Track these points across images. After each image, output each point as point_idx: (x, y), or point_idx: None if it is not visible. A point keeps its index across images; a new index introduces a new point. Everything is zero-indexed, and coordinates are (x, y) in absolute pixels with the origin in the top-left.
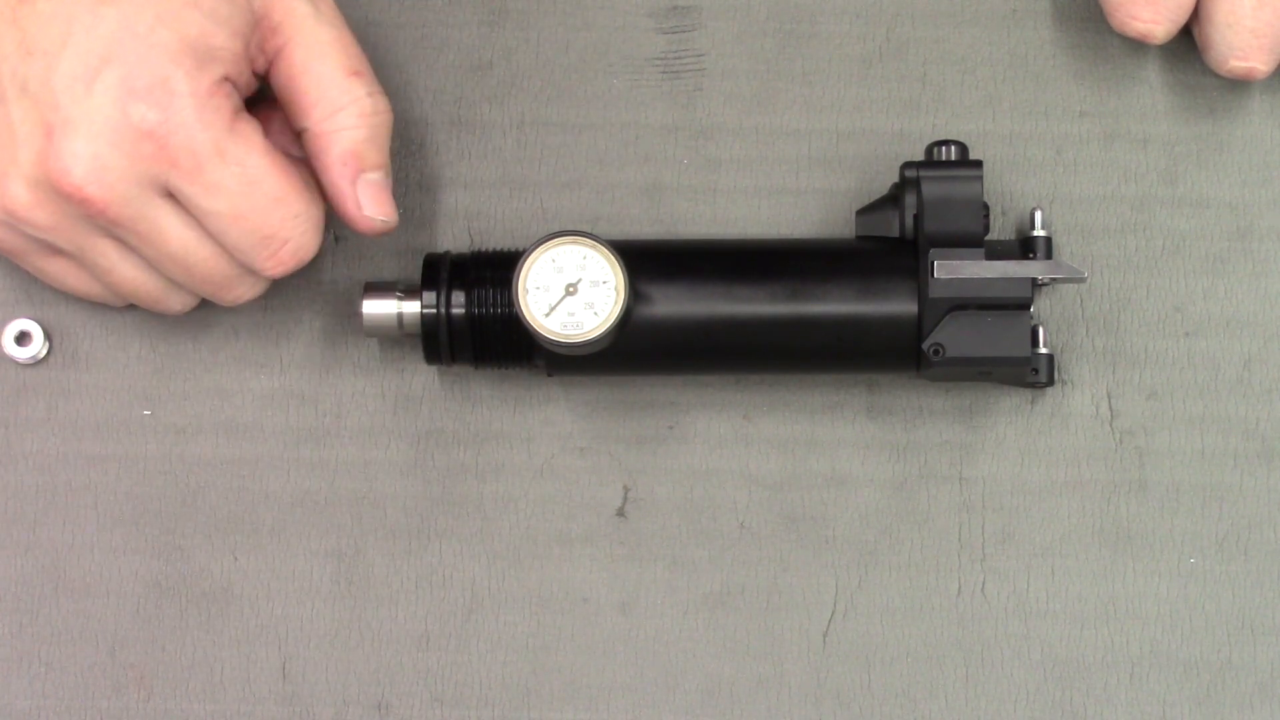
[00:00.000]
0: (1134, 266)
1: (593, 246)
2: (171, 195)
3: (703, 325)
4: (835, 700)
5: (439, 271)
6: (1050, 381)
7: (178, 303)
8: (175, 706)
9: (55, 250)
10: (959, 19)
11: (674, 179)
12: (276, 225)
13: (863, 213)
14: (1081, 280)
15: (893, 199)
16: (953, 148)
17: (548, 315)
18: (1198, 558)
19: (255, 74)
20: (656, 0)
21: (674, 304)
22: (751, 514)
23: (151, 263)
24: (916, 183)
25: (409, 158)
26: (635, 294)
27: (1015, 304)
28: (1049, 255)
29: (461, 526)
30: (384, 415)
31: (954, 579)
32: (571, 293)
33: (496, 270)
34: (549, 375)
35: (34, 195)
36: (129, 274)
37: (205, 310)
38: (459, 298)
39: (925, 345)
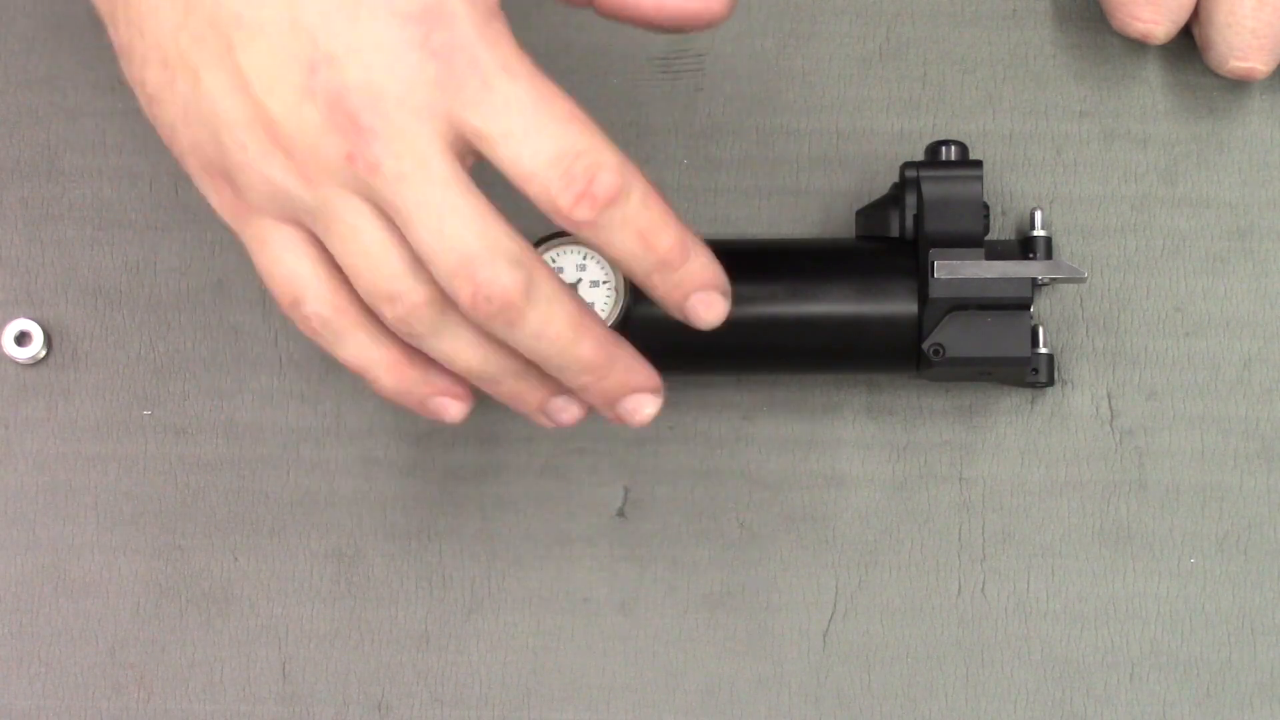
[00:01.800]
0: (1134, 266)
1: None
2: (447, 135)
3: None
4: (835, 700)
5: None
6: (1050, 381)
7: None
8: (175, 706)
9: (289, 218)
10: (959, 19)
11: (674, 179)
12: (572, 141)
13: (863, 213)
14: (1081, 280)
15: (893, 199)
16: (953, 148)
17: None
18: (1198, 558)
19: None
20: None
21: None
22: (751, 514)
23: (405, 216)
24: (916, 183)
25: None
26: (635, 294)
27: (1015, 304)
28: (1049, 255)
29: (461, 526)
30: (384, 415)
31: (954, 579)
32: None
33: None
34: None
35: (298, 114)
36: (371, 239)
37: (205, 310)
38: None
39: (925, 345)
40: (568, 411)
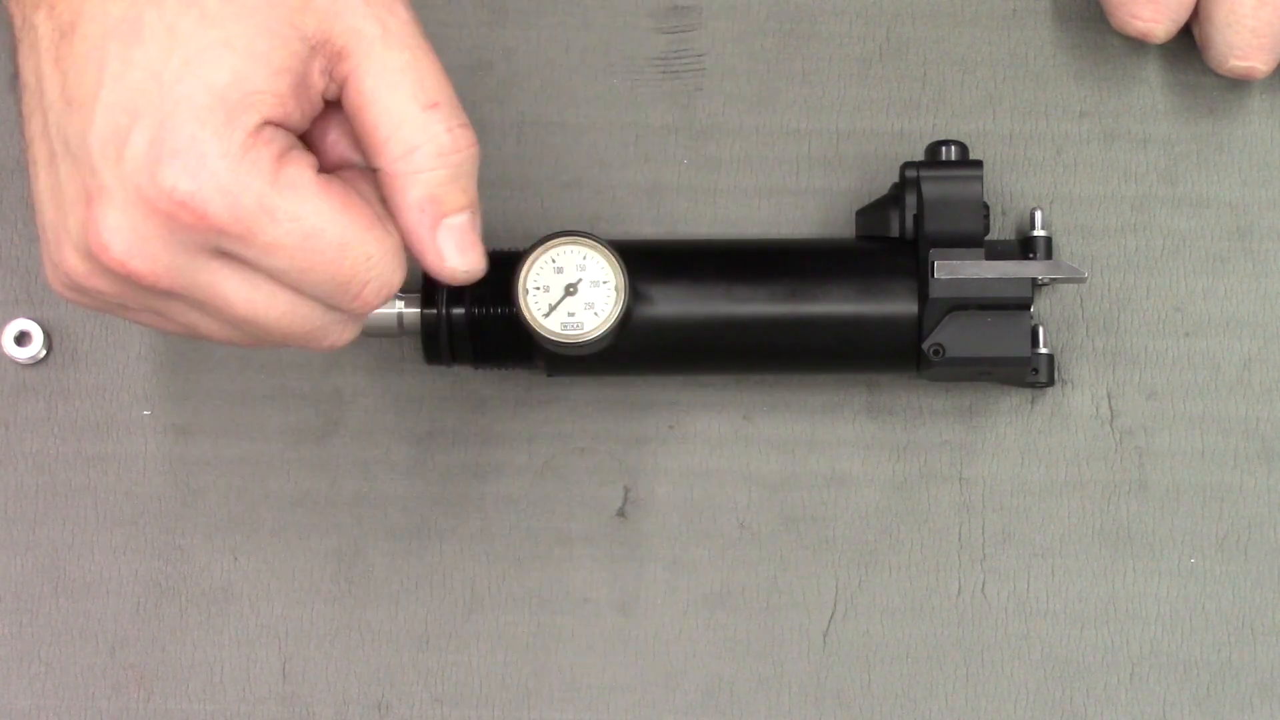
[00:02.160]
0: (1134, 266)
1: (593, 246)
2: (227, 254)
3: (703, 325)
4: (835, 700)
5: None
6: (1050, 381)
7: (268, 343)
8: (175, 706)
9: (132, 309)
10: (959, 19)
11: (674, 179)
12: (349, 270)
13: (863, 213)
14: (1081, 280)
15: (893, 199)
16: (953, 148)
17: (548, 315)
18: (1198, 558)
19: (326, 100)
20: (656, 0)
21: (674, 304)
22: (751, 514)
23: (227, 323)
24: (916, 183)
25: None
26: (635, 294)
27: (1015, 304)
28: (1049, 255)
29: (461, 526)
30: (384, 415)
31: (954, 579)
32: (571, 293)
33: (496, 270)
34: (549, 375)
35: (88, 265)
36: (214, 329)
37: None
38: (459, 298)
39: (925, 345)
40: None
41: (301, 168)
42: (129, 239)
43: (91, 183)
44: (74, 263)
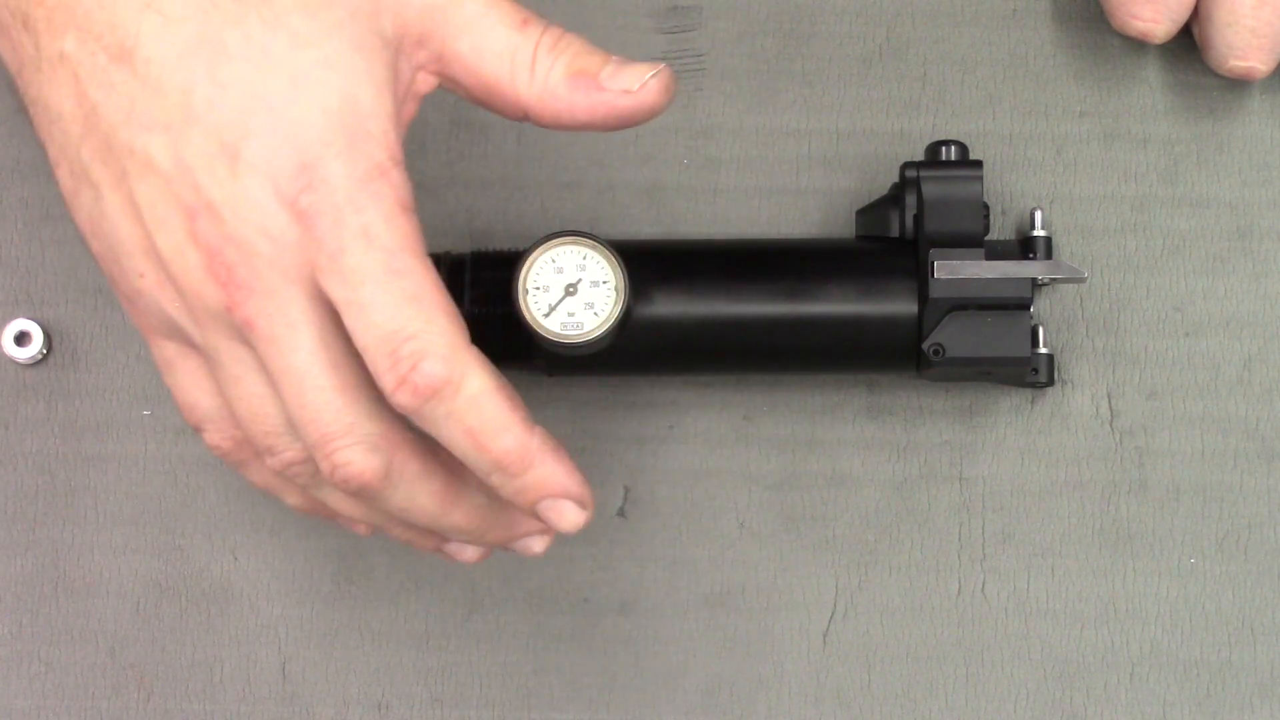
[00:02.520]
0: (1134, 266)
1: (593, 246)
2: (319, 298)
3: (703, 325)
4: (835, 700)
5: (439, 272)
6: (1050, 381)
7: (284, 453)
8: (175, 706)
9: (190, 344)
10: (959, 19)
11: (674, 179)
12: (406, 321)
13: (863, 213)
14: (1081, 280)
15: (893, 199)
16: (953, 148)
17: (548, 315)
18: (1198, 558)
19: (424, 94)
20: (656, 0)
21: (674, 304)
22: (751, 514)
23: (273, 377)
24: (916, 183)
25: (409, 158)
26: (635, 294)
27: (1015, 304)
28: (1049, 255)
29: None
30: None
31: (954, 579)
32: (571, 293)
33: (496, 270)
34: (549, 375)
35: (165, 277)
36: (253, 389)
37: None
38: (459, 298)
39: (925, 345)
40: (464, 553)
41: (415, 229)
42: (239, 251)
43: (194, 199)
44: (151, 275)
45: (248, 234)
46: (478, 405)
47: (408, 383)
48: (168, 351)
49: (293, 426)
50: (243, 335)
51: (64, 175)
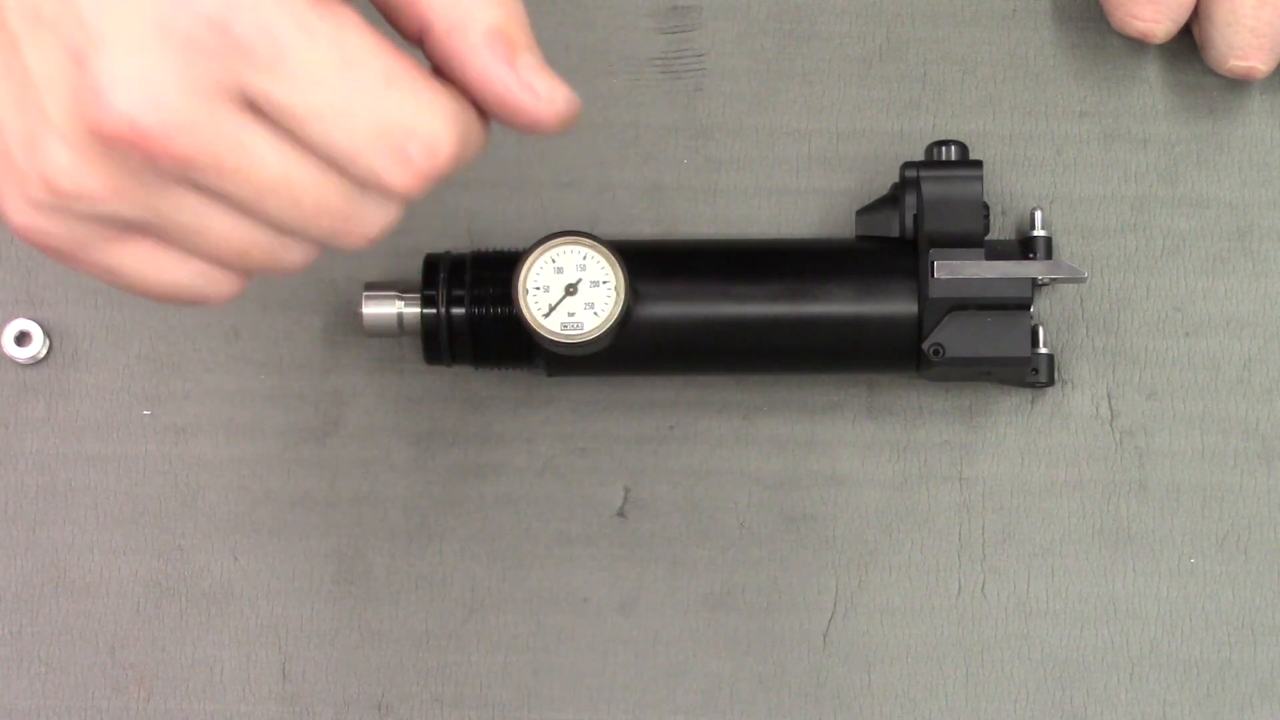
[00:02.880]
0: (1134, 266)
1: (593, 246)
2: (253, 107)
3: (703, 325)
4: (835, 700)
5: (439, 272)
6: (1050, 381)
7: (298, 254)
8: (175, 706)
9: (124, 229)
10: (959, 19)
11: (674, 179)
12: (394, 111)
13: (863, 213)
14: (1081, 280)
15: (893, 199)
16: (953, 148)
17: (548, 315)
18: (1198, 558)
19: None
20: (656, 0)
21: (674, 304)
22: (751, 514)
23: (248, 205)
24: (916, 183)
25: None
26: (635, 294)
27: (1015, 304)
28: (1049, 255)
29: (461, 526)
30: (384, 415)
31: (954, 579)
32: (571, 293)
33: (496, 270)
34: (549, 375)
35: (79, 155)
36: (225, 228)
37: (205, 310)
38: (459, 298)
39: (925, 345)
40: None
41: (348, 5)
42: (140, 87)
43: (80, 38)
44: (57, 159)
45: (147, 61)
46: (483, 138)
47: (424, 176)
48: (102, 257)
49: (296, 229)
50: (188, 178)
51: None
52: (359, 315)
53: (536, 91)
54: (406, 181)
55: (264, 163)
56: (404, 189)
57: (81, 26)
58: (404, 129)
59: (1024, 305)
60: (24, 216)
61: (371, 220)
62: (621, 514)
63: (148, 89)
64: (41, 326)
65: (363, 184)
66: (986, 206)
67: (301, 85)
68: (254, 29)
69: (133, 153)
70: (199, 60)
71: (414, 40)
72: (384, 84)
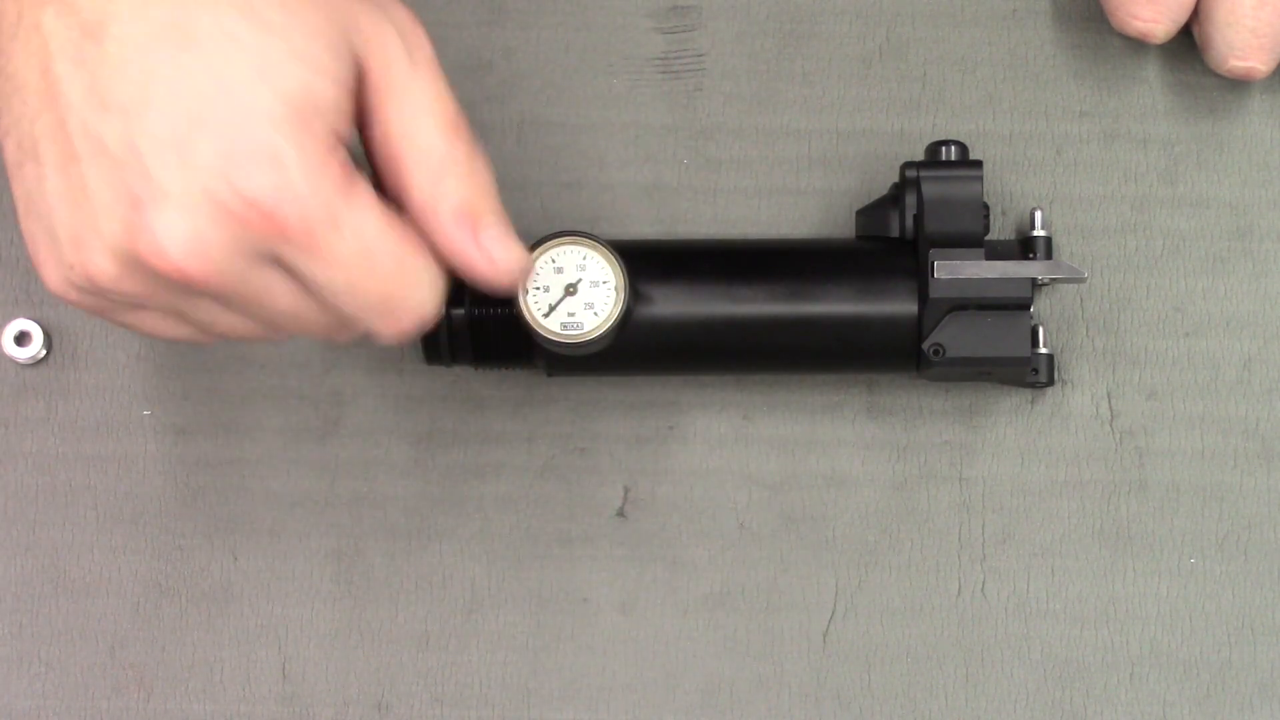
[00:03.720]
0: (1134, 266)
1: (593, 246)
2: (278, 263)
3: (703, 325)
4: (835, 700)
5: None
6: (1050, 381)
7: (279, 338)
8: (175, 706)
9: (145, 308)
10: (959, 19)
11: (674, 179)
12: (395, 288)
13: (863, 213)
14: (1081, 280)
15: (893, 199)
16: (953, 148)
17: (548, 315)
18: (1198, 558)
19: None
20: (656, 0)
21: (674, 304)
22: (751, 514)
23: (258, 320)
24: (916, 183)
25: None
26: (635, 294)
27: (1015, 304)
28: (1049, 255)
29: (461, 526)
30: (384, 415)
31: (954, 579)
32: (571, 293)
33: None
34: (549, 375)
35: (121, 268)
36: (233, 323)
37: None
38: (459, 298)
39: (925, 345)
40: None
41: (365, 185)
42: (189, 244)
43: (142, 187)
44: (102, 265)
45: (199, 224)
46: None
47: (407, 333)
48: (120, 318)
49: (294, 335)
50: (211, 298)
51: (11, 147)
52: None
53: (495, 261)
54: (392, 336)
55: (278, 300)
56: (389, 341)
57: (145, 177)
58: (400, 302)
59: (1024, 305)
60: (61, 288)
61: (354, 334)
62: (621, 514)
63: (196, 246)
64: (41, 326)
65: (356, 329)
66: (986, 206)
67: (326, 267)
68: (295, 219)
69: (173, 284)
70: (243, 232)
71: (390, 196)
72: (392, 268)
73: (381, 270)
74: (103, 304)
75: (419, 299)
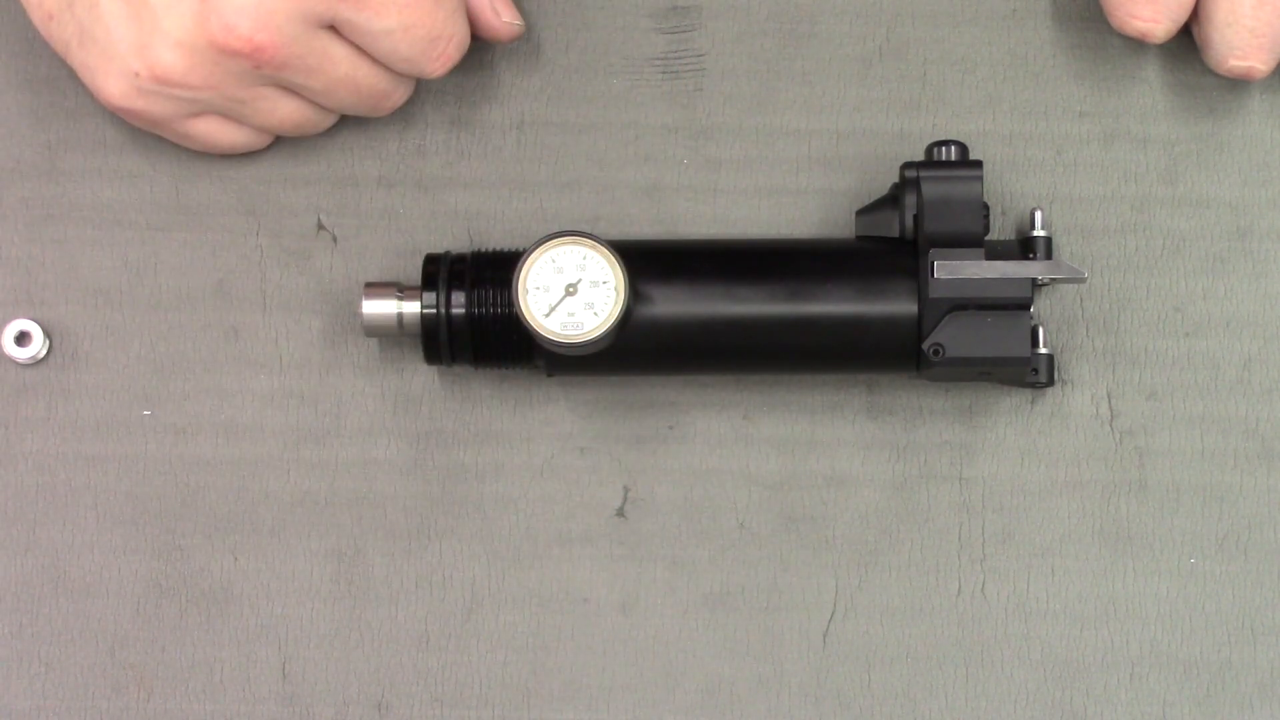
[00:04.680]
0: (1134, 266)
1: (593, 246)
2: (333, 25)
3: (703, 325)
4: (835, 700)
5: (439, 271)
6: (1050, 381)
7: (326, 123)
8: (175, 706)
9: (204, 110)
10: (959, 19)
11: (674, 179)
12: (441, 25)
13: (863, 213)
14: (1081, 280)
15: (893, 199)
16: (953, 148)
17: (548, 315)
18: (1198, 558)
19: None
20: (656, 0)
21: (674, 304)
22: (751, 514)
23: (316, 94)
24: (916, 183)
25: (409, 157)
26: (635, 294)
27: (1015, 304)
28: (1049, 255)
29: (461, 526)
30: (384, 415)
31: (954, 579)
32: (571, 293)
33: (496, 270)
34: (549, 375)
35: (189, 59)
36: (289, 110)
37: (205, 310)
38: (459, 298)
39: (925, 345)
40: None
41: None
42: (256, 17)
43: None
44: (171, 60)
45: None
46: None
47: (451, 64)
48: (179, 127)
49: (346, 109)
50: (275, 79)
51: (49, 4)
52: (359, 315)
53: (498, 12)
54: (440, 70)
55: (339, 64)
56: (438, 75)
57: None
58: (445, 36)
59: (1024, 305)
60: (124, 99)
61: (399, 96)
62: (621, 514)
63: (262, 18)
64: (41, 326)
65: (406, 74)
66: (986, 206)
67: (377, 13)
68: None
69: (243, 60)
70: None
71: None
72: (432, 5)
73: (427, 5)
74: (166, 108)
75: (460, 29)
